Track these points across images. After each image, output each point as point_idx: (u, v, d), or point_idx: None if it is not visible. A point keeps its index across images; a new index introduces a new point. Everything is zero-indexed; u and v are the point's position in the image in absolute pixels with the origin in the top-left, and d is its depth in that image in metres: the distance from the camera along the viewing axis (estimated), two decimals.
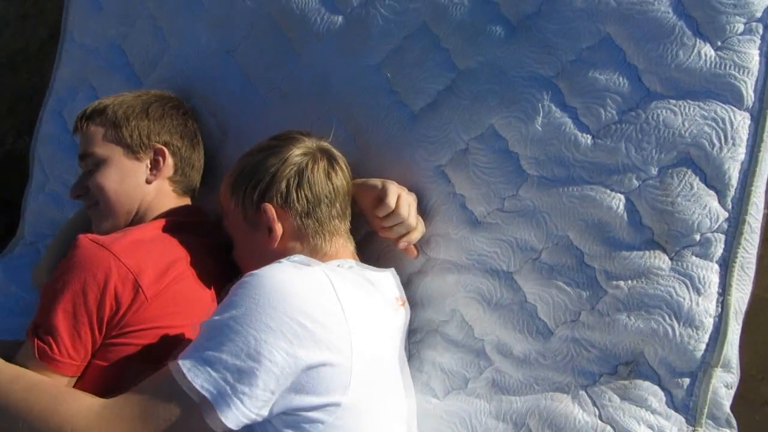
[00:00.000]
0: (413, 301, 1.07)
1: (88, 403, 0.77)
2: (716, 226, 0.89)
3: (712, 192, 0.90)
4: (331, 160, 0.97)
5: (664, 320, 0.88)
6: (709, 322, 0.87)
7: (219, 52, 1.21)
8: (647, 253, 0.91)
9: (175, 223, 1.02)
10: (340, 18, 1.12)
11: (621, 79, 0.94)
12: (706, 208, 0.89)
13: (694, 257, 0.90)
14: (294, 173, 0.92)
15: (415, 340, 1.08)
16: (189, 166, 1.13)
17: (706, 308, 0.88)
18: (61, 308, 0.85)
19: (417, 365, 1.05)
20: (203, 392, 0.69)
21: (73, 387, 0.86)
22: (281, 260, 0.79)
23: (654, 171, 0.92)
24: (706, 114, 0.90)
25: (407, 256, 1.05)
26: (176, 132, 1.11)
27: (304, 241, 0.93)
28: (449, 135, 1.03)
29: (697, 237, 0.89)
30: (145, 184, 1.08)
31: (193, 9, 1.23)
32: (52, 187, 1.36)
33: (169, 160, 1.09)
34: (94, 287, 0.85)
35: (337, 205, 0.95)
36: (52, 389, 0.80)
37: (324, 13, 1.12)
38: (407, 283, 1.08)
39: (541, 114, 0.97)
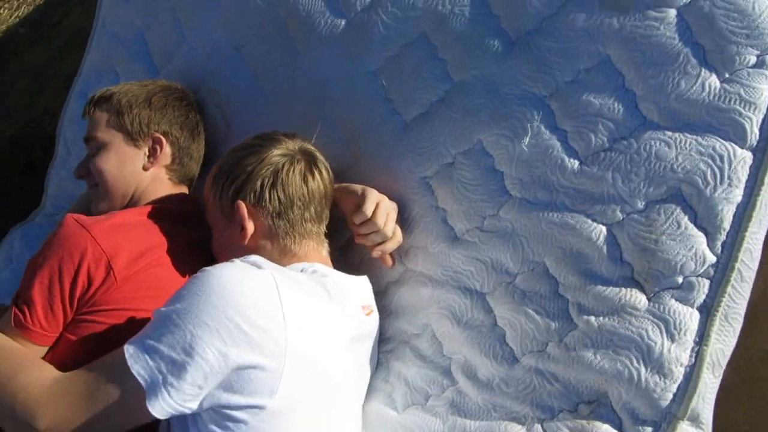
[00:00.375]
0: (388, 310, 1.07)
1: (43, 375, 0.80)
2: (701, 270, 0.83)
3: (701, 233, 0.84)
4: (311, 163, 0.97)
5: (631, 363, 0.83)
6: (679, 371, 0.82)
7: (229, 47, 1.23)
8: (624, 290, 0.86)
9: (163, 210, 1.05)
10: (343, 22, 1.12)
11: (616, 104, 0.89)
12: (693, 250, 0.83)
13: (673, 300, 0.84)
14: (269, 173, 0.93)
15: (385, 349, 1.07)
16: (187, 156, 1.16)
17: (677, 356, 0.82)
18: (38, 281, 0.89)
19: (383, 375, 1.05)
20: (139, 378, 0.71)
21: (44, 357, 0.91)
22: (234, 260, 0.80)
23: (640, 205, 0.86)
24: (703, 149, 0.84)
25: (383, 264, 1.04)
26: (176, 122, 1.14)
27: (275, 240, 0.94)
28: (437, 147, 1.01)
29: (680, 279, 0.84)
30: (142, 170, 1.11)
31: (210, 4, 1.26)
32: (73, 163, 1.43)
33: (167, 149, 1.13)
34: (69, 265, 0.89)
35: (311, 208, 0.95)
36: (18, 356, 0.85)
37: (328, 16, 1.12)
38: (384, 292, 1.07)
39: (530, 134, 0.93)
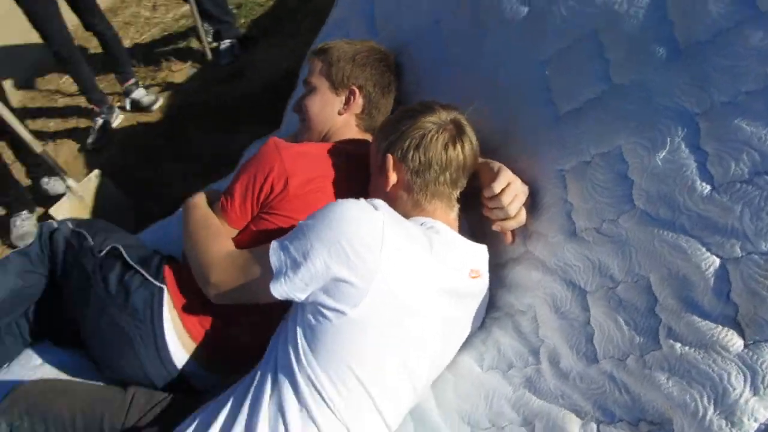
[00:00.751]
0: (504, 282, 1.17)
1: (225, 246, 1.13)
2: None
3: None
4: (457, 134, 1.09)
5: (701, 398, 0.82)
6: (750, 426, 0.78)
7: (430, 19, 1.38)
8: (721, 328, 0.83)
9: (342, 149, 1.29)
10: (526, 9, 1.17)
11: None
12: None
13: None
14: (417, 136, 1.08)
15: (492, 315, 1.18)
16: (375, 109, 1.37)
17: (754, 409, 0.78)
18: (240, 182, 1.21)
19: (483, 337, 1.17)
20: (271, 266, 0.96)
21: (233, 237, 1.23)
22: (361, 199, 0.99)
23: (764, 247, 0.81)
24: None
25: (503, 238, 1.13)
26: (371, 79, 1.36)
27: (410, 194, 1.10)
28: (580, 144, 1.04)
29: None
30: (337, 114, 1.36)
31: None
32: None
33: (359, 101, 1.35)
34: (261, 175, 1.18)
35: (447, 173, 1.09)
36: (215, 229, 1.19)
37: (514, 2, 1.19)
38: (503, 265, 1.17)
39: (668, 149, 0.91)
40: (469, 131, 1.12)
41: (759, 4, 0.86)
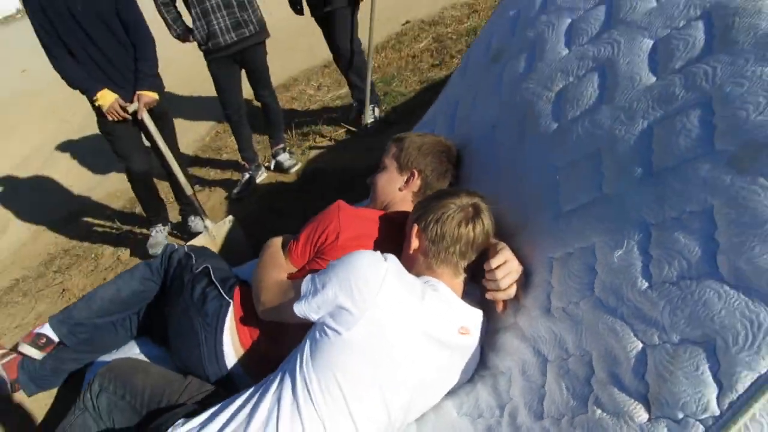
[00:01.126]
0: (494, 347, 1.36)
1: (279, 277, 1.47)
2: (701, 417, 0.88)
3: (715, 384, 0.88)
4: (473, 216, 1.35)
5: None
6: None
7: (488, 125, 1.68)
8: (633, 402, 0.97)
9: (392, 218, 1.59)
10: (556, 125, 1.42)
11: (699, 250, 0.98)
12: (700, 395, 0.89)
13: (666, 429, 0.92)
14: (439, 213, 1.36)
15: (480, 374, 1.37)
16: (431, 189, 1.68)
17: None
18: (306, 230, 1.56)
19: (469, 389, 1.36)
20: (300, 290, 1.27)
21: (291, 273, 1.57)
22: (377, 251, 1.27)
23: (675, 338, 0.95)
24: (747, 312, 0.88)
25: (496, 307, 1.34)
26: (430, 165, 1.67)
27: (426, 258, 1.37)
28: (568, 238, 1.25)
29: (680, 415, 0.91)
30: (398, 190, 1.69)
31: (495, 88, 1.72)
32: None
33: (417, 182, 1.67)
34: (321, 227, 1.53)
35: (457, 247, 1.33)
36: (278, 262, 1.54)
37: (549, 118, 1.44)
38: (497, 331, 1.37)
39: (624, 249, 1.10)
40: (485, 216, 1.37)
41: (715, 143, 1.05)
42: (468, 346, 1.32)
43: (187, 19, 3.38)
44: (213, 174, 4.27)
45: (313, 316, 1.24)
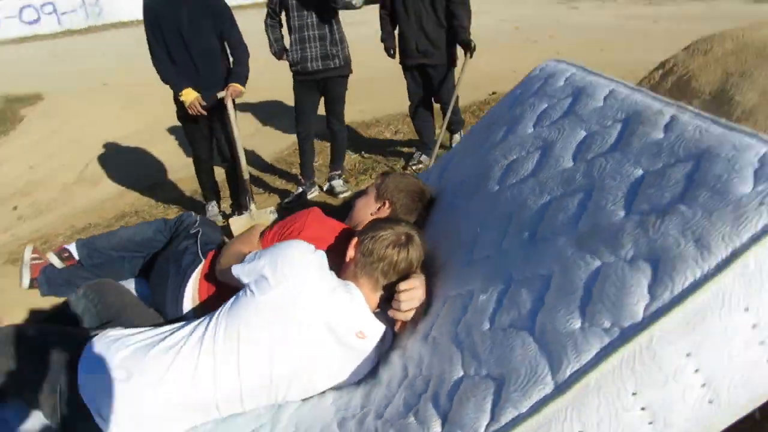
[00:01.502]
0: (384, 359, 1.52)
1: (241, 249, 1.73)
2: None
3: (489, 414, 1.01)
4: (405, 244, 1.54)
5: None
6: None
7: (459, 180, 1.87)
8: (436, 417, 1.11)
9: (349, 233, 1.82)
10: (497, 187, 1.59)
11: (529, 305, 1.12)
12: (475, 422, 1.02)
13: None
14: (377, 234, 1.56)
15: (365, 379, 1.53)
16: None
17: None
18: (280, 223, 1.83)
19: (352, 388, 1.52)
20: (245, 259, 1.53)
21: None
22: (312, 245, 1.50)
23: (483, 372, 1.09)
24: (534, 361, 1.01)
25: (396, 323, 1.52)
26: (402, 201, 1.89)
27: (355, 266, 1.57)
28: (464, 282, 1.41)
29: None
30: (369, 215, 1.91)
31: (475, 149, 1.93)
32: None
33: (387, 211, 1.89)
34: (291, 223, 1.79)
35: (381, 264, 1.52)
36: (248, 242, 1.81)
37: (494, 182, 1.62)
38: (392, 348, 1.53)
39: (487, 295, 1.25)
40: (413, 246, 1.56)
41: (579, 223, 1.19)
42: (362, 350, 1.49)
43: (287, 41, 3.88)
44: (276, 182, 4.70)
45: (244, 279, 1.49)
